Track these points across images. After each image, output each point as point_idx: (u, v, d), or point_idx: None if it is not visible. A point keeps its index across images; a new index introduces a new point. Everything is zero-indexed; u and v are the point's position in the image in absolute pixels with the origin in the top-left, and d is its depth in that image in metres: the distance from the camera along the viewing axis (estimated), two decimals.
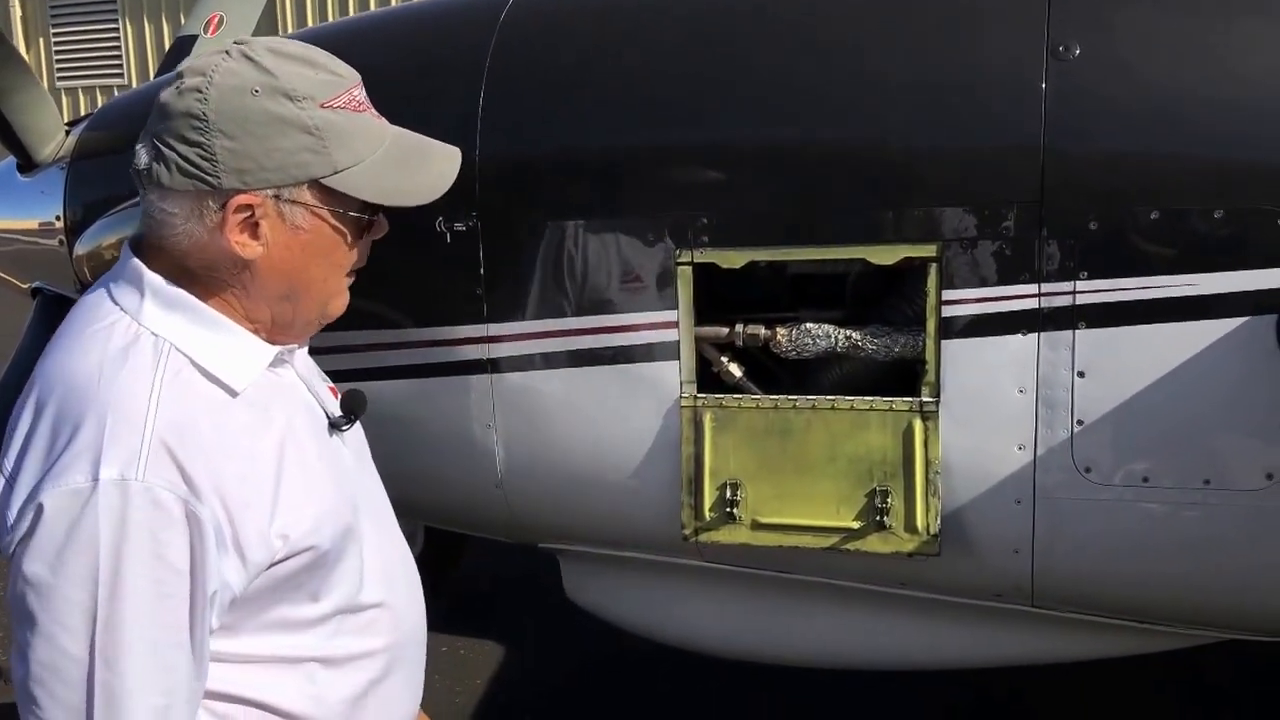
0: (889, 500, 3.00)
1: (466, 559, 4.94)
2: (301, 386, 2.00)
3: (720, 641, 3.52)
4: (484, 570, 4.85)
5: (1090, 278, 2.78)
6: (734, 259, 3.02)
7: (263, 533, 1.80)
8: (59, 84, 17.50)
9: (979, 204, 2.82)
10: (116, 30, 17.28)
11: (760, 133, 3.04)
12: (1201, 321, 2.73)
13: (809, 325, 3.09)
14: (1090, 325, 2.80)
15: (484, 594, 5.15)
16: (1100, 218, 2.75)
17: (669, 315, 3.08)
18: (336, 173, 1.81)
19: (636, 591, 3.47)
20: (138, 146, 1.81)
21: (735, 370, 3.17)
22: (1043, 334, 2.84)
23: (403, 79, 3.26)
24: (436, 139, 2.00)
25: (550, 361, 3.18)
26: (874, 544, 3.04)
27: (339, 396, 2.09)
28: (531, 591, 4.45)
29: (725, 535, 3.13)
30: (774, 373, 3.24)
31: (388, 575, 2.08)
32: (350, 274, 1.96)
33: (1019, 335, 2.86)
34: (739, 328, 3.13)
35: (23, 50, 16.80)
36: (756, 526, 3.11)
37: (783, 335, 3.10)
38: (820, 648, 3.42)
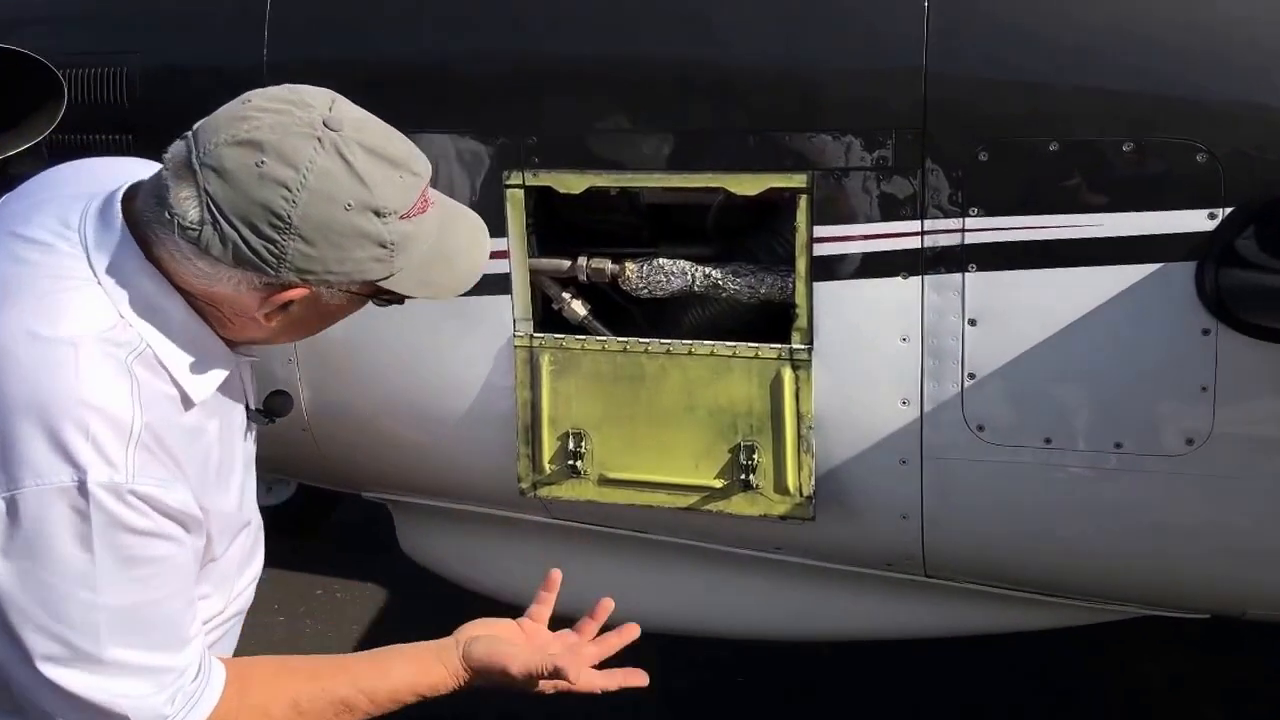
0: (755, 457, 2.81)
1: (346, 502, 4.64)
2: (238, 383, 2.00)
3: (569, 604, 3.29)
4: (365, 513, 4.68)
5: (981, 215, 2.54)
6: (573, 183, 2.77)
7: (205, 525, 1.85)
8: None
9: (854, 130, 2.59)
10: None
11: (601, 42, 2.78)
12: (1111, 267, 2.49)
13: (662, 261, 2.85)
14: (982, 268, 2.58)
15: (361, 537, 4.96)
16: (992, 148, 2.51)
17: (497, 244, 2.80)
18: (390, 276, 1.79)
19: (476, 548, 3.28)
20: (183, 195, 1.67)
21: (579, 308, 2.94)
22: (927, 276, 2.62)
23: None
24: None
25: None
26: (740, 505, 2.85)
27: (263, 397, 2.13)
28: None
29: (569, 491, 2.94)
30: (630, 314, 3.02)
31: (250, 555, 2.11)
32: None
33: (900, 277, 2.63)
34: (581, 261, 2.89)
35: None
36: (604, 482, 2.92)
37: (632, 270, 2.86)
38: (686, 613, 3.21)
